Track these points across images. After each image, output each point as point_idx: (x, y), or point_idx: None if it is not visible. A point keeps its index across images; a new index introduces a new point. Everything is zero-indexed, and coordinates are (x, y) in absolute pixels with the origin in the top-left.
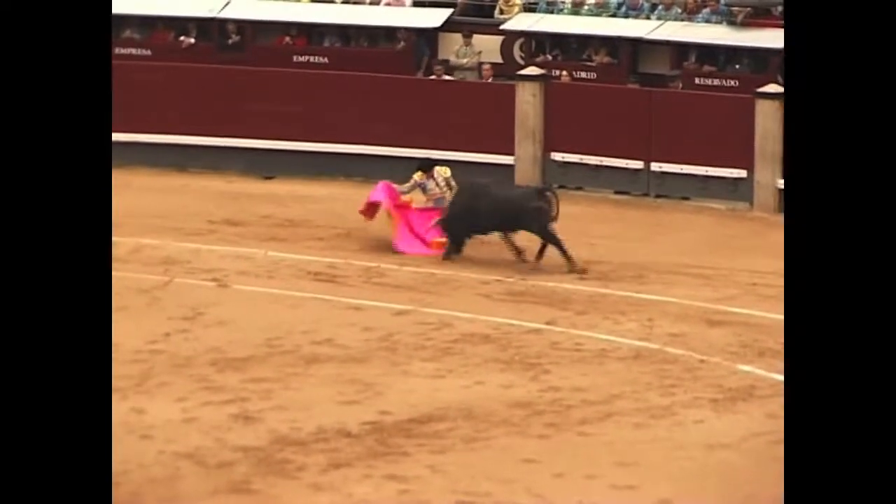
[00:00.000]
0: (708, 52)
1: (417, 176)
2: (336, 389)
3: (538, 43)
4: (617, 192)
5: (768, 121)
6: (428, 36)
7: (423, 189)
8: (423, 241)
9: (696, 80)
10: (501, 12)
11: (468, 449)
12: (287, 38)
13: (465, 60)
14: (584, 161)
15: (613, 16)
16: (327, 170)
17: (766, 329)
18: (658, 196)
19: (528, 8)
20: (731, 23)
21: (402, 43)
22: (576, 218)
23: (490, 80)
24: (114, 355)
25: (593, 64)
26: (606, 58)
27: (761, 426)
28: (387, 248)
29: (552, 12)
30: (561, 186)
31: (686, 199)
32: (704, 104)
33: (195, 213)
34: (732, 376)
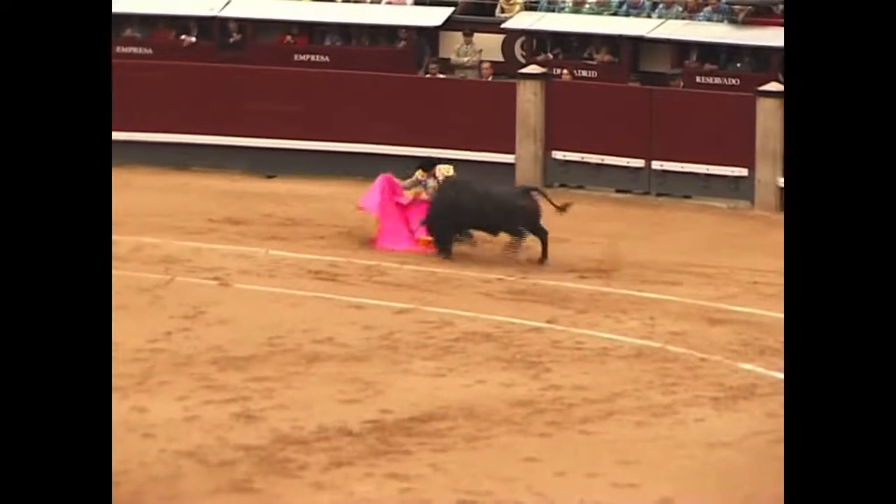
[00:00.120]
0: (709, 51)
1: (419, 174)
2: (337, 388)
3: (539, 41)
4: (618, 191)
5: (769, 119)
6: (429, 35)
7: (425, 186)
8: (412, 236)
9: (698, 79)
10: (502, 11)
11: (469, 447)
12: (288, 37)
13: (465, 59)
14: (585, 160)
15: (615, 14)
16: (328, 168)
17: (767, 327)
18: (659, 194)
19: (530, 6)
20: (733, 21)
21: (403, 42)
22: (577, 216)
23: (490, 79)
24: (115, 354)
25: (594, 62)
26: (607, 56)
27: (762, 425)
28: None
29: (553, 11)
30: (562, 185)
31: (687, 197)
32: (706, 103)
33: (196, 212)
34: (733, 375)
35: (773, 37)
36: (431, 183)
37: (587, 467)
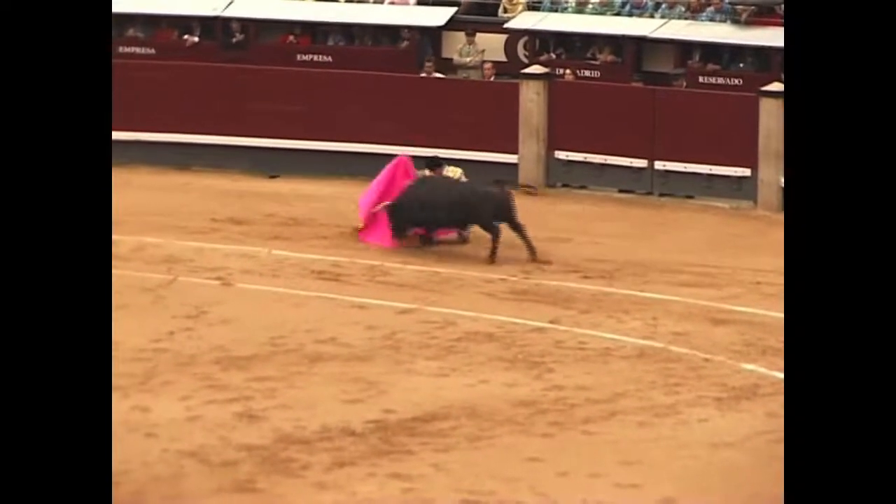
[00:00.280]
0: (712, 51)
1: (426, 172)
2: (340, 388)
3: (542, 41)
4: (621, 191)
5: (772, 119)
6: (432, 35)
7: None
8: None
9: (700, 79)
10: (505, 11)
11: (472, 447)
12: (291, 37)
13: (468, 59)
14: (587, 160)
15: (617, 14)
16: (331, 168)
17: (769, 328)
18: (662, 195)
19: (532, 6)
20: (735, 21)
21: (406, 42)
22: (579, 216)
23: (492, 79)
24: (117, 354)
25: (597, 62)
26: (610, 56)
27: (765, 425)
28: (390, 247)
29: (556, 11)
30: (565, 185)
31: (690, 197)
32: (708, 103)
33: (199, 212)
34: (736, 375)
35: (775, 37)
36: None
37: (590, 467)
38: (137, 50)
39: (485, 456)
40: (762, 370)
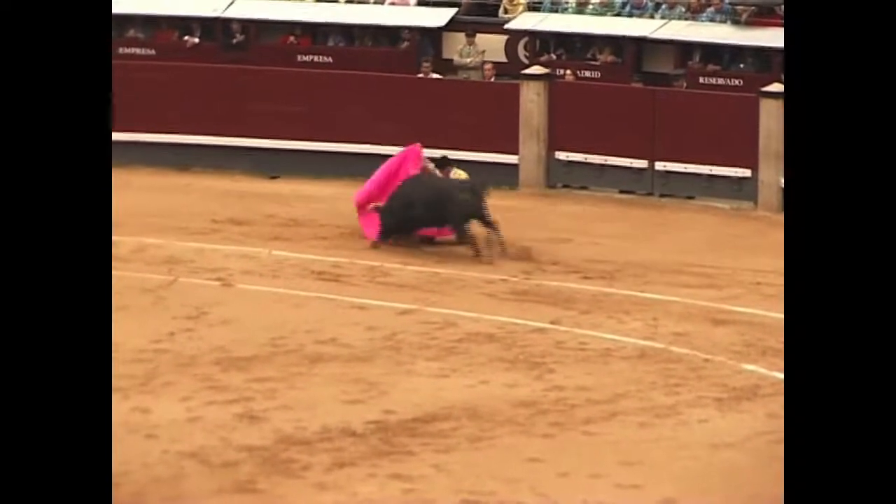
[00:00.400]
0: (712, 52)
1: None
2: (340, 389)
3: (542, 42)
4: (621, 192)
5: (772, 120)
6: (432, 35)
7: None
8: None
9: (701, 80)
10: (506, 11)
11: (473, 448)
12: (291, 38)
13: (468, 60)
14: (588, 160)
15: (618, 15)
16: (331, 169)
17: (770, 328)
18: (662, 195)
19: (533, 7)
20: (736, 22)
21: (407, 42)
22: (580, 217)
23: (492, 80)
24: (118, 355)
25: (597, 63)
26: (611, 57)
27: (765, 425)
28: (390, 247)
29: (556, 11)
30: (565, 186)
31: (690, 198)
32: (709, 103)
33: (199, 213)
34: (737, 376)
35: (776, 37)
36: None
37: (590, 468)
38: (137, 51)
39: (485, 456)
40: (762, 371)
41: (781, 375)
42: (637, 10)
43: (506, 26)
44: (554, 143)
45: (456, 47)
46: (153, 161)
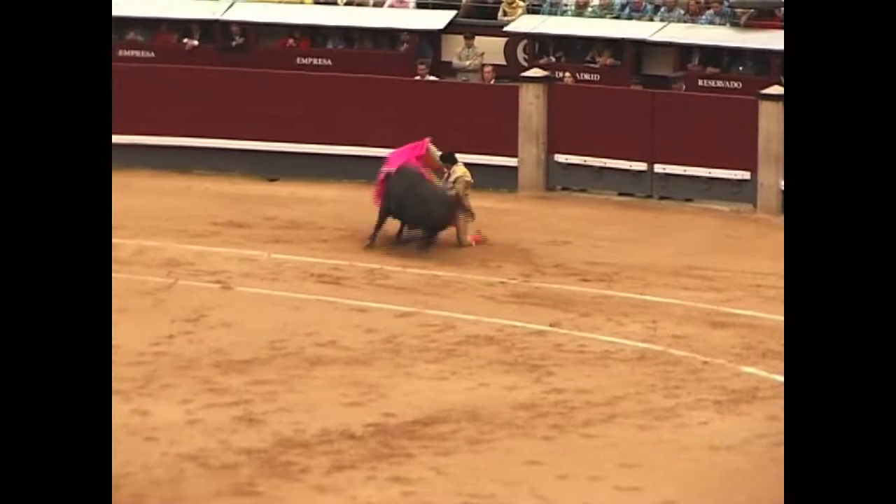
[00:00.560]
0: (711, 54)
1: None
2: (339, 391)
3: (542, 45)
4: (620, 194)
5: (772, 122)
6: (431, 38)
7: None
8: None
9: (700, 82)
10: (505, 14)
11: (472, 451)
12: (290, 41)
13: (468, 62)
14: (587, 163)
15: (617, 17)
16: (331, 172)
17: (769, 331)
18: (662, 198)
19: (532, 10)
20: (735, 24)
21: (406, 45)
22: (579, 220)
23: (492, 82)
24: (117, 357)
25: (597, 66)
26: (610, 59)
27: (764, 428)
28: (389, 250)
29: (556, 14)
30: (564, 188)
31: (690, 200)
32: (708, 106)
33: (198, 216)
34: (736, 378)
35: (775, 40)
36: (452, 178)
37: (590, 470)
38: (137, 53)
39: (485, 459)
40: (762, 373)
41: (781, 378)
42: (636, 13)
43: (505, 29)
44: (553, 146)
45: (455, 50)
46: (153, 163)
